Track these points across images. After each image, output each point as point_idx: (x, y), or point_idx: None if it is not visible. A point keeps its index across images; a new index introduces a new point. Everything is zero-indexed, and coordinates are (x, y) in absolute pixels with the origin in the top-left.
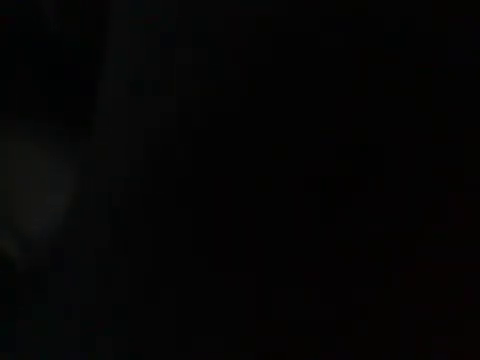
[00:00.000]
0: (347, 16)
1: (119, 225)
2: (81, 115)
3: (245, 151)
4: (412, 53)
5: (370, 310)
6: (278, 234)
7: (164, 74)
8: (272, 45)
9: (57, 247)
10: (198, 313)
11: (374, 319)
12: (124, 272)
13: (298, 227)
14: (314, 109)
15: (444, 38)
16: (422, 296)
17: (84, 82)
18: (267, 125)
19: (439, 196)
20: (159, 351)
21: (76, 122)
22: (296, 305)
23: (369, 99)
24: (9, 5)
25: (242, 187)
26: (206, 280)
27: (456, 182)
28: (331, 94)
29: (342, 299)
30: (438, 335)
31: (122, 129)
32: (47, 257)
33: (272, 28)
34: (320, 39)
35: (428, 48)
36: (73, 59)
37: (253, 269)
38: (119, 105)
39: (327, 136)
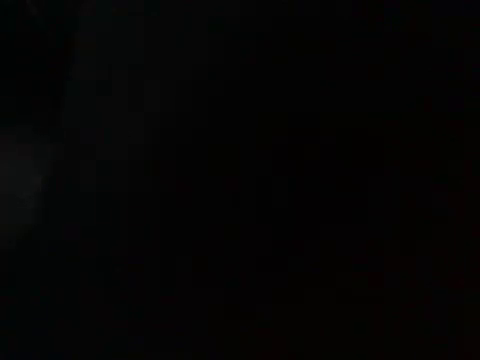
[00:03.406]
0: (345, 13)
1: (89, 224)
2: (49, 115)
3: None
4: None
5: (369, 311)
6: (276, 235)
7: (133, 73)
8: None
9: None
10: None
11: (373, 319)
12: (94, 272)
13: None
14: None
15: (444, 38)
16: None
17: (53, 82)
18: (260, 128)
19: (438, 197)
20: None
21: (44, 122)
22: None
23: (369, 100)
24: None
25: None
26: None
27: (456, 183)
28: (329, 94)
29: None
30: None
31: (90, 129)
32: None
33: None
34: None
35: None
36: (44, 57)
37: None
38: (87, 105)
39: (328, 135)
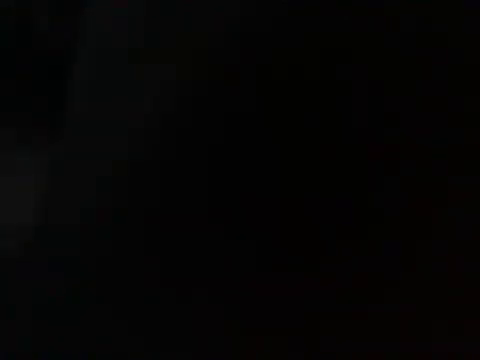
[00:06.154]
0: (347, 13)
1: (89, 226)
2: (50, 116)
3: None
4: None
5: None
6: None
7: (134, 76)
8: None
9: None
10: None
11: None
12: (94, 272)
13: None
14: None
15: (444, 37)
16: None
17: (53, 83)
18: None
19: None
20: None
21: (45, 123)
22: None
23: (369, 101)
24: None
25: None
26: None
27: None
28: (328, 94)
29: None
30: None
31: (91, 130)
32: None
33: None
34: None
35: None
36: (46, 59)
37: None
38: (87, 104)
39: (329, 141)
